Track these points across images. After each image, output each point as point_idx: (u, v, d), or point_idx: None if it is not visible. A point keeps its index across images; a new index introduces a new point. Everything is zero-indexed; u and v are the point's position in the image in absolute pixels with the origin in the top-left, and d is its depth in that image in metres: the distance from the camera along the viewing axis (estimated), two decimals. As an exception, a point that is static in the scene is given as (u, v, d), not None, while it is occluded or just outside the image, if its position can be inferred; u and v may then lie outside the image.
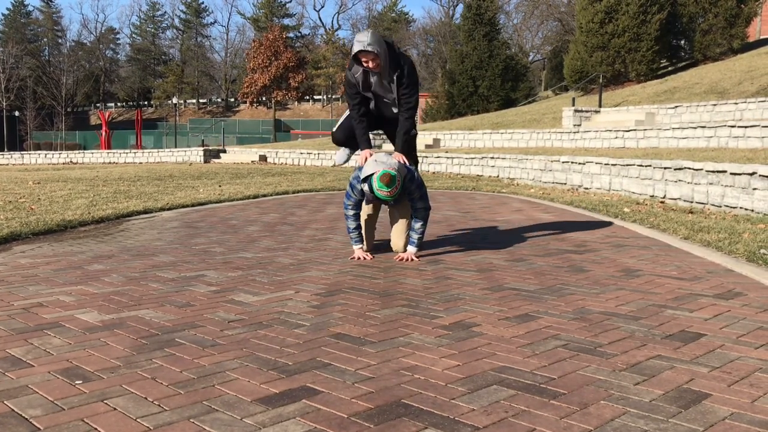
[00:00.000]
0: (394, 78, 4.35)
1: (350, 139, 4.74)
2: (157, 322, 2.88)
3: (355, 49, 4.25)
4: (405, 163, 4.37)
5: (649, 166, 7.92)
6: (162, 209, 7.34)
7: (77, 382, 2.16)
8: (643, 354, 2.46)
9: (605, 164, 8.95)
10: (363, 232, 4.52)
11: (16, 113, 56.58)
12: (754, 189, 6.20)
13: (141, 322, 2.88)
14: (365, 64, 4.29)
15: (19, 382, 2.16)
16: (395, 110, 4.51)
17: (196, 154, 23.91)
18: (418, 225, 4.38)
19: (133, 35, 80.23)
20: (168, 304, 3.22)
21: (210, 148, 26.66)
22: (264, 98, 58.03)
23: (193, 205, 7.81)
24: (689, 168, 7.16)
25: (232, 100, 71.28)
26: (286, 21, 70.57)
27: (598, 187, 9.09)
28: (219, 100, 73.25)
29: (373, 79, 4.41)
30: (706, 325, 2.83)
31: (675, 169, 7.42)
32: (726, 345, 2.56)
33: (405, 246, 4.52)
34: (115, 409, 1.95)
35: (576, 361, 2.38)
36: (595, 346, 2.55)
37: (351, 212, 4.40)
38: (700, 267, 4.11)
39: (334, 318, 2.98)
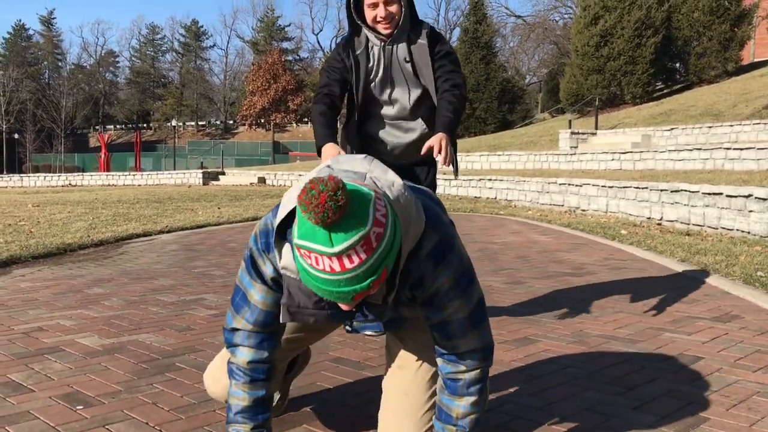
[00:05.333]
0: (421, 43, 2.67)
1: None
2: (158, 347, 2.89)
3: None
4: (442, 163, 2.56)
5: (646, 188, 7.97)
6: (161, 232, 7.36)
7: (78, 407, 2.17)
8: (641, 378, 2.47)
9: (602, 186, 8.99)
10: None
11: (16, 136, 56.73)
12: (750, 211, 6.24)
13: (141, 347, 2.89)
14: (377, 12, 2.59)
15: (20, 407, 2.17)
16: (417, 93, 2.74)
17: (195, 177, 23.97)
18: (464, 401, 1.63)
19: (133, 58, 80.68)
20: (168, 328, 3.22)
21: (209, 170, 26.73)
22: (263, 120, 58.30)
23: (192, 228, 7.83)
24: (686, 190, 7.20)
25: (231, 122, 71.54)
26: (285, 44, 71.03)
27: (595, 209, 9.13)
28: (218, 122, 73.50)
29: (375, 57, 2.71)
30: (704, 348, 2.85)
31: (671, 192, 7.47)
32: (724, 368, 2.57)
33: None
34: (116, 434, 1.95)
35: (574, 386, 2.39)
36: (593, 370, 2.56)
37: (243, 357, 1.64)
38: (697, 289, 4.13)
39: (333, 342, 2.99)
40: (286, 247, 1.44)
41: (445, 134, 2.53)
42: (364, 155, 1.48)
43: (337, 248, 1.22)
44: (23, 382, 2.41)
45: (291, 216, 1.40)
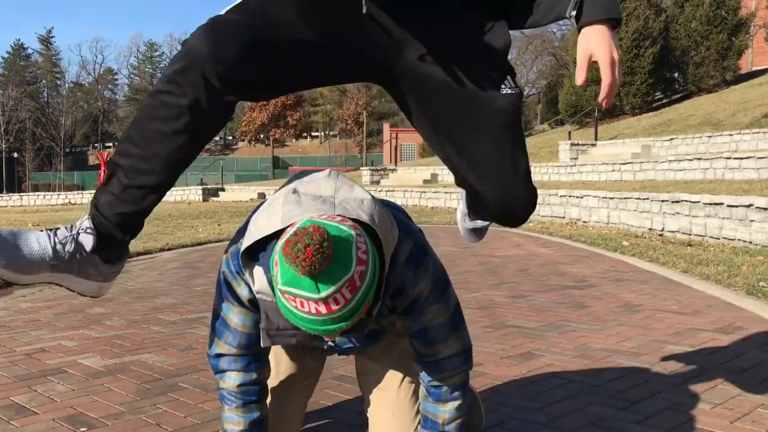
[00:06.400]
0: None
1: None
2: (160, 366, 2.88)
3: None
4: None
5: (647, 199, 7.97)
6: (162, 250, 7.36)
7: (82, 429, 2.16)
8: (644, 391, 2.46)
9: (603, 197, 9.00)
10: None
11: (15, 155, 56.86)
12: (752, 221, 6.24)
13: (144, 367, 2.88)
14: None
15: (23, 430, 2.16)
16: None
17: (194, 193, 24.01)
18: (449, 406, 1.64)
19: (132, 75, 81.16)
20: (170, 347, 3.22)
21: (209, 186, 26.80)
22: (262, 136, 58.50)
23: (193, 245, 7.83)
24: (686, 200, 7.21)
25: (231, 138, 71.77)
26: (284, 60, 71.29)
27: (596, 220, 9.13)
28: (217, 138, 73.77)
29: None
30: (707, 361, 2.84)
31: (672, 202, 7.47)
32: (727, 381, 2.57)
33: None
34: (119, 456, 1.95)
35: (577, 400, 2.38)
36: (596, 385, 2.56)
37: (232, 382, 1.64)
38: (700, 301, 4.13)
39: (335, 359, 2.98)
40: (258, 270, 1.43)
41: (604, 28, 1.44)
42: (327, 171, 1.48)
43: (323, 294, 1.22)
44: (26, 405, 2.41)
45: (258, 241, 1.40)
